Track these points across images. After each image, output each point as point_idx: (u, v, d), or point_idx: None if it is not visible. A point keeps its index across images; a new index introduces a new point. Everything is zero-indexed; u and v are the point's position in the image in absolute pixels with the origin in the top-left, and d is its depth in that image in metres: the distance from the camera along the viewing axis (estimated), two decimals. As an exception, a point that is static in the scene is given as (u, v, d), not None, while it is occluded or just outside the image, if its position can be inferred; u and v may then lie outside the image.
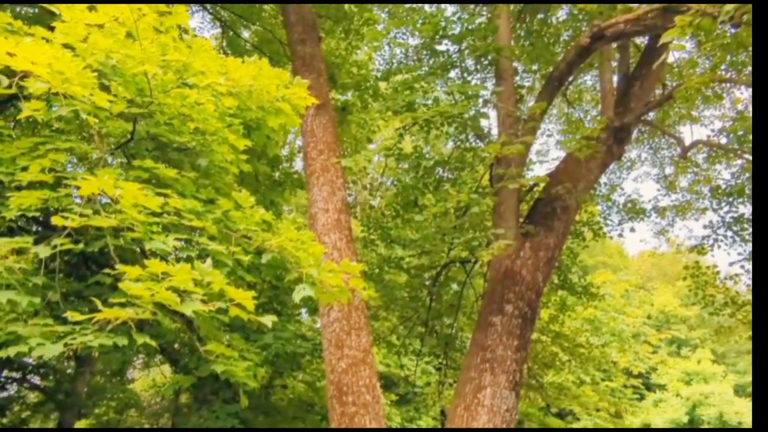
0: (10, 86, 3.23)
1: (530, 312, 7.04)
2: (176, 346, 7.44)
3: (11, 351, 3.01)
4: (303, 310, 9.56)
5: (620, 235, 12.21)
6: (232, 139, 4.33)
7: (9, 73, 3.30)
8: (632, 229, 11.97)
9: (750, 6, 3.75)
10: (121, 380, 18.74)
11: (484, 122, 7.90)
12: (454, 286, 12.46)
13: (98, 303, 2.84)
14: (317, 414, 9.04)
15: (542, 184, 7.34)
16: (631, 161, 13.90)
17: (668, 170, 13.43)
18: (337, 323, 6.43)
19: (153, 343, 2.97)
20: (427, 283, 11.60)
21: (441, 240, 7.86)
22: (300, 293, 3.39)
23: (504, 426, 6.32)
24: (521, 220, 7.53)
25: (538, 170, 18.48)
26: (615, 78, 8.49)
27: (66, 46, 3.59)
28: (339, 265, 3.65)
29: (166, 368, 17.53)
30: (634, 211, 11.77)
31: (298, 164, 13.11)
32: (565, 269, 11.30)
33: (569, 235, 9.35)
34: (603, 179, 12.21)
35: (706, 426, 26.72)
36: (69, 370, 15.69)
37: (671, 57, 9.28)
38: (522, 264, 7.16)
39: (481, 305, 7.67)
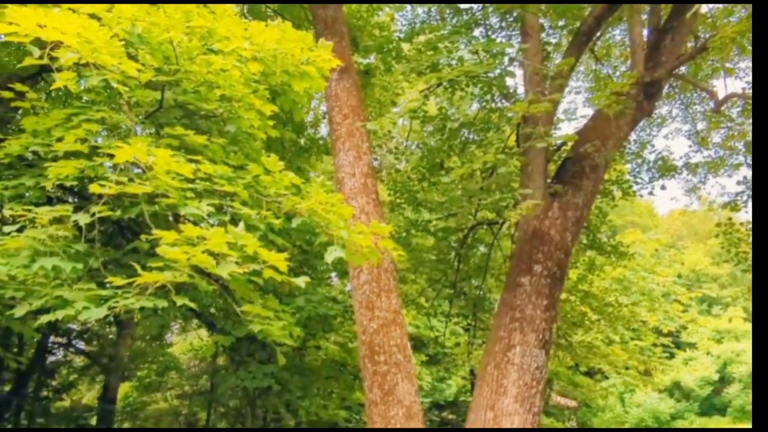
0: (41, 57, 3.28)
1: (559, 272, 7.03)
2: (212, 310, 7.66)
3: (59, 314, 3.14)
4: (333, 275, 9.69)
5: (650, 194, 12.01)
6: (258, 105, 4.35)
7: (39, 44, 3.36)
8: (663, 187, 11.74)
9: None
10: (160, 344, 19.60)
11: (510, 81, 7.80)
12: (482, 248, 12.48)
13: (137, 267, 2.94)
14: (350, 374, 9.27)
15: (570, 143, 7.23)
16: (662, 117, 13.50)
17: (700, 126, 13.04)
18: (367, 285, 6.52)
19: (192, 305, 3.07)
20: (454, 245, 11.64)
21: (468, 202, 7.83)
22: (331, 255, 3.45)
23: (534, 383, 6.40)
24: (549, 180, 7.46)
25: (566, 128, 18.12)
26: (645, 31, 8.21)
27: (92, 16, 3.62)
28: (368, 227, 3.69)
29: (203, 332, 18.17)
30: (664, 168, 11.53)
31: (323, 130, 13.12)
32: (594, 229, 11.20)
33: (598, 195, 9.22)
34: (633, 136, 11.94)
35: (737, 383, 26.57)
36: (111, 336, 16.43)
37: (704, 7, 8.91)
38: (550, 224, 7.12)
39: (509, 266, 7.68)
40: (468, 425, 6.39)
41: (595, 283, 12.92)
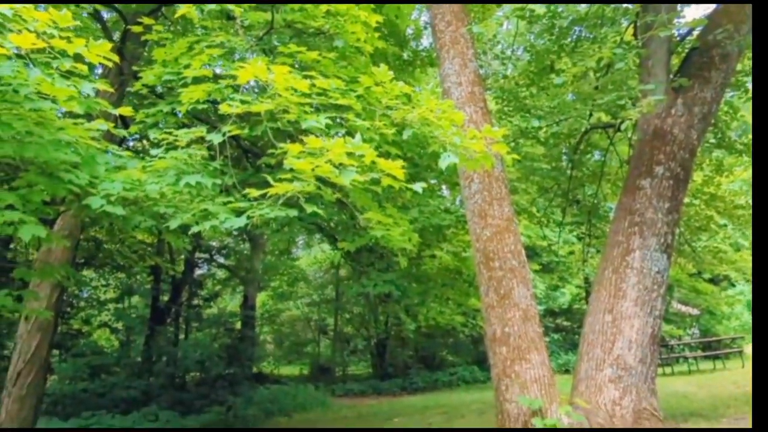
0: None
1: (682, 173, 6.64)
2: (333, 225, 8.12)
3: (206, 225, 3.52)
4: (444, 187, 9.80)
5: (792, 83, 10.66)
6: (363, 17, 4.37)
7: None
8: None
9: None
10: (288, 258, 21.38)
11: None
12: (596, 156, 11.94)
13: (270, 179, 3.20)
14: (465, 281, 9.54)
15: (698, 30, 6.56)
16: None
17: None
18: (478, 194, 6.56)
19: (320, 212, 3.31)
20: (566, 152, 11.23)
21: (581, 104, 7.46)
22: (445, 161, 3.51)
23: (655, 287, 6.26)
24: (672, 74, 6.88)
25: (693, 13, 16.29)
26: None
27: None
28: (481, 131, 3.69)
29: (325, 246, 19.45)
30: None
31: (425, 41, 12.82)
32: (723, 126, 10.25)
33: (728, 88, 8.37)
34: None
35: None
36: (246, 252, 18.13)
37: None
38: (673, 122, 6.66)
39: (628, 170, 7.34)
40: (585, 329, 6.44)
41: (723, 185, 11.98)
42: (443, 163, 3.52)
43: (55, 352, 13.25)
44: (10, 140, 3.37)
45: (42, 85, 3.18)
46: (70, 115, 4.13)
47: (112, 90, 3.95)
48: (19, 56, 3.29)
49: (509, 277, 6.16)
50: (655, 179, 6.58)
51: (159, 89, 7.11)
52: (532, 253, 16.87)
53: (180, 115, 5.79)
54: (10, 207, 3.29)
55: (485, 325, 6.39)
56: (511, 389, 5.77)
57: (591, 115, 8.68)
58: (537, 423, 5.43)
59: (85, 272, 14.88)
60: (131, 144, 10.85)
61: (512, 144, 10.07)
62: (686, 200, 9.90)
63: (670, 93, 6.59)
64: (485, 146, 3.77)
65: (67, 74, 3.32)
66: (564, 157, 11.52)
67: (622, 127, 6.56)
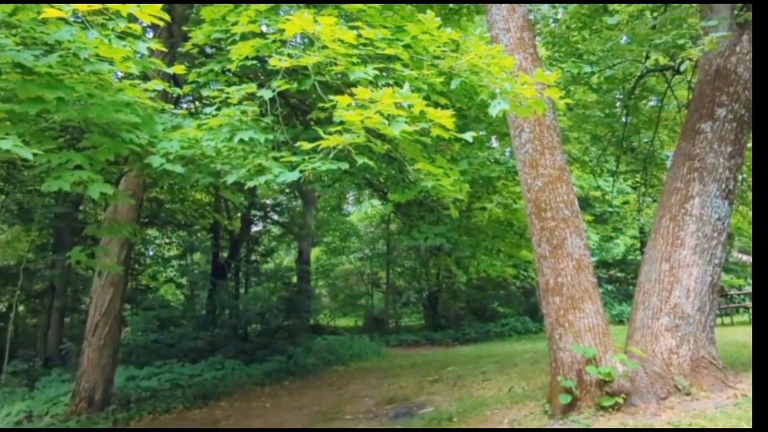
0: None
1: (747, 114, 6.32)
2: (381, 179, 8.16)
3: (261, 179, 3.63)
4: (492, 138, 9.64)
5: None
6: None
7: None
8: None
9: None
10: (340, 213, 21.81)
11: None
12: (652, 101, 11.44)
13: (320, 131, 3.25)
14: (515, 233, 9.48)
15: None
16: None
17: None
18: (529, 144, 6.45)
19: (371, 163, 3.35)
20: (620, 98, 10.81)
21: (638, 45, 7.11)
22: (495, 107, 3.46)
23: (715, 235, 6.06)
24: (736, 10, 6.45)
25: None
26: None
27: None
28: (533, 76, 3.61)
29: (375, 201, 19.71)
30: None
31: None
32: (795, 63, 9.58)
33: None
34: None
35: None
36: (298, 208, 18.59)
37: None
38: (738, 60, 6.30)
39: (687, 114, 7.02)
40: (641, 278, 6.33)
41: (794, 126, 11.26)
42: (493, 111, 3.47)
43: (127, 306, 14.12)
44: (74, 103, 3.54)
45: (100, 48, 3.29)
46: (126, 76, 4.28)
47: (165, 49, 4.05)
48: (76, 21, 3.41)
49: (562, 227, 6.10)
50: (716, 122, 6.29)
51: (207, 50, 7.23)
52: (584, 203, 16.51)
53: (230, 74, 5.89)
54: (78, 168, 3.48)
55: (538, 275, 6.38)
56: (565, 338, 5.79)
57: (647, 57, 8.26)
58: (591, 371, 5.45)
59: (149, 231, 15.69)
60: (183, 106, 11.14)
61: (564, 92, 9.74)
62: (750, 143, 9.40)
63: (735, 29, 6.21)
64: (537, 92, 3.69)
65: (122, 35, 3.43)
66: (618, 104, 11.09)
67: (681, 68, 6.24)
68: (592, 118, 10.53)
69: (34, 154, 3.07)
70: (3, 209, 14.07)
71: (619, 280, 19.52)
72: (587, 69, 9.91)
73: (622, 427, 4.70)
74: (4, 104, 3.30)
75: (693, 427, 4.40)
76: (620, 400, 5.18)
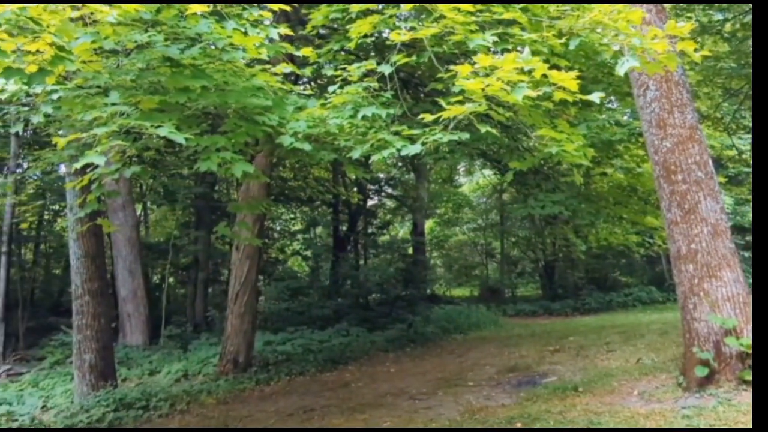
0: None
1: None
2: (494, 149, 8.06)
3: (384, 153, 3.77)
4: (611, 99, 9.11)
5: None
6: None
7: None
8: None
9: None
10: (452, 185, 21.89)
11: None
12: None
13: (442, 102, 3.31)
14: (639, 198, 8.96)
15: None
16: None
17: None
18: (655, 102, 6.07)
19: (493, 131, 3.36)
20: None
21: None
22: (624, 65, 3.30)
23: None
24: None
25: None
26: None
27: None
28: (663, 29, 3.40)
29: (486, 171, 19.55)
30: None
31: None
32: None
33: None
34: None
35: None
36: (411, 182, 18.95)
37: None
38: None
39: None
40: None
41: None
42: (621, 69, 3.32)
43: (261, 277, 15.32)
44: (214, 91, 3.88)
45: (234, 37, 3.57)
46: (255, 61, 4.59)
47: (293, 33, 4.28)
48: (211, 14, 3.72)
49: (694, 190, 5.72)
50: None
51: (322, 32, 7.48)
52: (717, 164, 15.13)
53: (346, 53, 6.09)
54: (221, 150, 3.83)
55: (668, 242, 6.06)
56: (700, 308, 5.48)
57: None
58: (731, 342, 5.13)
59: (276, 208, 16.86)
60: (300, 87, 11.64)
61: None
62: None
63: None
64: (669, 46, 3.47)
65: (255, 23, 3.69)
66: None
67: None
68: (724, 71, 9.59)
69: (186, 139, 3.43)
70: (152, 191, 15.75)
71: (758, 246, 17.73)
72: (719, 16, 9.02)
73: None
74: (156, 96, 3.70)
75: None
76: (766, 374, 4.82)
